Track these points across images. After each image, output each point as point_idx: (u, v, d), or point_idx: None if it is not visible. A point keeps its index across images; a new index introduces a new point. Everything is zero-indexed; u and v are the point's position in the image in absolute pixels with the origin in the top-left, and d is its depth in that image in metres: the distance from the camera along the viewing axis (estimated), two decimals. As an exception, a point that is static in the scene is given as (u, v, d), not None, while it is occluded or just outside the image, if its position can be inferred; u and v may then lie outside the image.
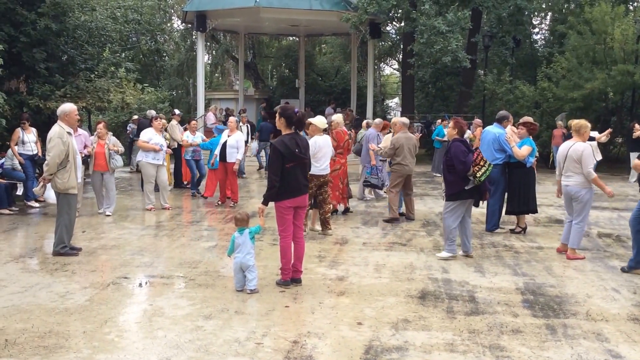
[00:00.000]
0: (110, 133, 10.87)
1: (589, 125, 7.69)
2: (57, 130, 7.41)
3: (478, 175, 7.17)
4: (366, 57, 25.44)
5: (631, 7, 22.13)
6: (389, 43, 32.70)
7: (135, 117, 18.16)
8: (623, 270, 6.91)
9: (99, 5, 18.19)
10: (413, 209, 10.37)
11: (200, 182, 13.03)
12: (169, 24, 32.75)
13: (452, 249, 7.49)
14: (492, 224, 9.13)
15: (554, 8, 25.25)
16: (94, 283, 6.33)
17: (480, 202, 7.57)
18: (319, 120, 8.64)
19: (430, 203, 12.12)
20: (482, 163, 7.22)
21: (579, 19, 19.58)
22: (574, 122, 7.74)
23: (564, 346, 4.72)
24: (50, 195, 9.36)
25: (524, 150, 8.69)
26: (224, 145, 11.24)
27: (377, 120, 12.46)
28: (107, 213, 10.41)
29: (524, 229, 9.08)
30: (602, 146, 13.33)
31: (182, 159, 13.37)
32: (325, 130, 8.86)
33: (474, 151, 7.35)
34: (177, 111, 15.54)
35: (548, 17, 27.68)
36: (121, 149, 10.72)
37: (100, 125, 10.62)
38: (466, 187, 7.24)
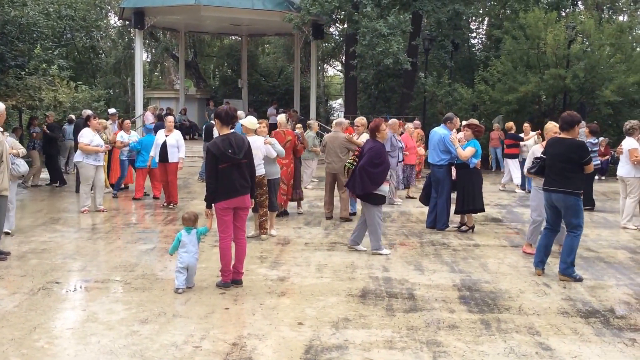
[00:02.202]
0: (7, 133, 9.03)
1: (551, 127, 7.89)
2: None
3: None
4: (309, 58, 25.48)
5: (563, 14, 23.03)
6: (332, 44, 32.86)
7: (72, 116, 17.49)
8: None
9: (30, 0, 17.51)
10: (346, 209, 10.22)
11: (120, 183, 12.75)
12: (105, 21, 31.82)
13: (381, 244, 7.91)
14: (442, 222, 9.36)
15: (490, 13, 25.99)
16: (22, 288, 6.07)
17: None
18: (248, 121, 8.52)
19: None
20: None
21: (514, 24, 20.26)
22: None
23: (497, 340, 4.85)
24: None
25: (467, 151, 8.99)
26: (164, 145, 11.00)
27: (391, 120, 12.25)
28: (6, 230, 8.21)
29: (472, 228, 9.32)
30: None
31: (117, 159, 12.75)
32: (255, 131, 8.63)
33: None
34: (111, 110, 15.10)
35: (485, 22, 28.48)
36: (22, 151, 8.74)
37: None
38: None
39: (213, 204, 6.05)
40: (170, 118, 11.74)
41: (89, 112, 12.93)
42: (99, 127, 11.15)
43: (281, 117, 10.48)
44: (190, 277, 6.11)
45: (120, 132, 12.82)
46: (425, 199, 9.73)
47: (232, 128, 6.17)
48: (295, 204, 10.78)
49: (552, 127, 7.93)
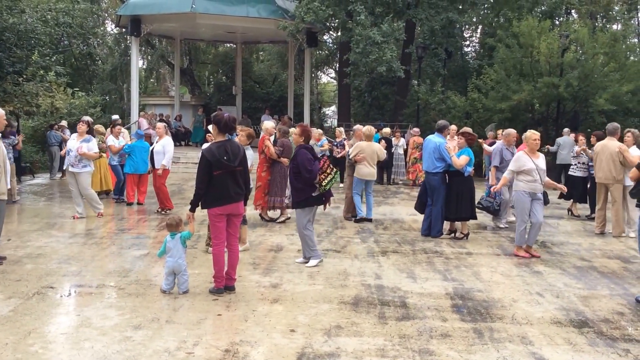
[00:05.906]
0: None
1: (531, 136, 8.12)
2: None
3: (324, 184, 7.26)
4: (303, 65, 25.56)
5: (557, 22, 23.14)
6: (326, 52, 33.02)
7: (63, 122, 17.45)
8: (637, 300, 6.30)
9: (28, 7, 17.57)
10: (347, 210, 10.75)
11: (123, 188, 12.69)
12: (102, 28, 31.93)
13: (318, 254, 7.57)
14: (437, 230, 9.41)
15: (484, 22, 26.15)
16: (18, 293, 6.09)
17: (326, 206, 7.64)
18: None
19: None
20: (328, 171, 7.30)
21: (508, 32, 20.37)
22: None
23: (490, 349, 4.87)
24: None
25: (462, 159, 9.07)
26: (152, 152, 11.20)
27: (507, 130, 10.97)
28: None
29: (466, 235, 9.36)
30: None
31: (107, 165, 12.72)
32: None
33: (321, 159, 7.44)
34: (114, 117, 15.11)
35: (478, 31, 28.67)
36: None
37: None
38: (313, 194, 7.31)
39: (199, 209, 6.10)
40: (160, 124, 11.84)
41: (86, 118, 12.93)
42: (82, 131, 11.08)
43: (265, 124, 10.81)
44: (182, 282, 6.15)
45: (109, 137, 12.80)
46: (420, 207, 9.78)
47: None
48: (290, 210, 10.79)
49: (530, 134, 8.11)
